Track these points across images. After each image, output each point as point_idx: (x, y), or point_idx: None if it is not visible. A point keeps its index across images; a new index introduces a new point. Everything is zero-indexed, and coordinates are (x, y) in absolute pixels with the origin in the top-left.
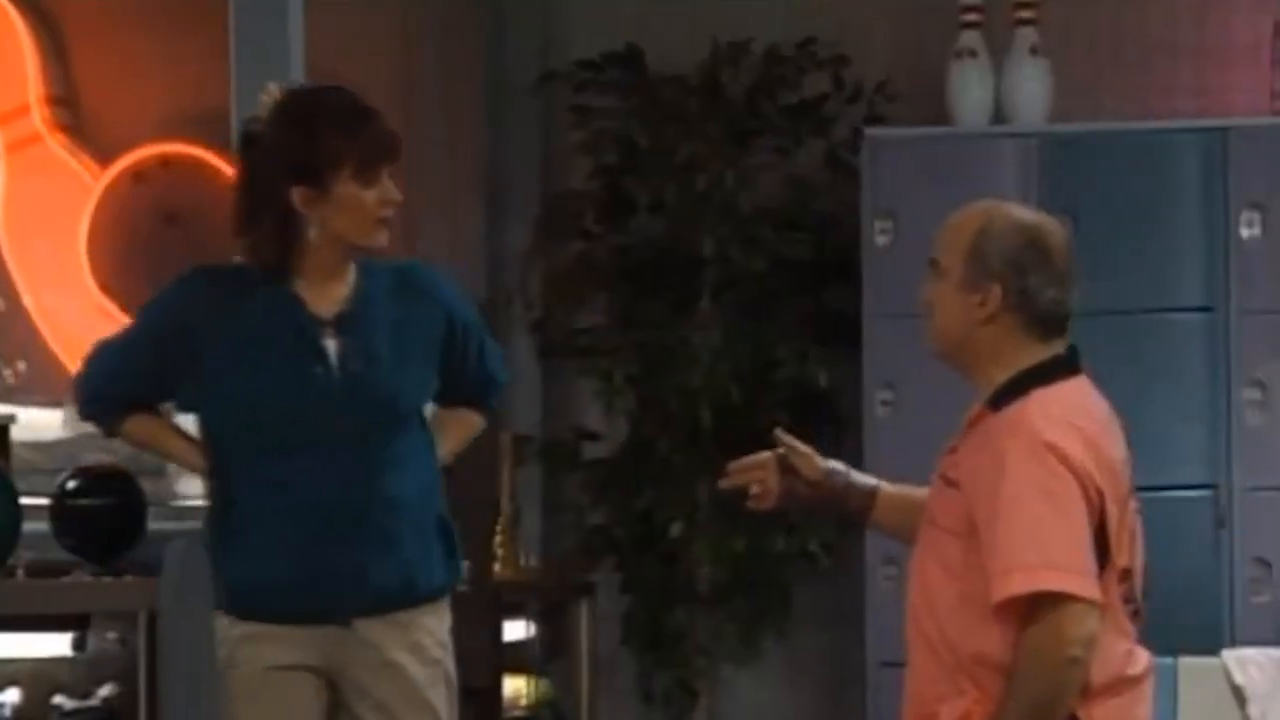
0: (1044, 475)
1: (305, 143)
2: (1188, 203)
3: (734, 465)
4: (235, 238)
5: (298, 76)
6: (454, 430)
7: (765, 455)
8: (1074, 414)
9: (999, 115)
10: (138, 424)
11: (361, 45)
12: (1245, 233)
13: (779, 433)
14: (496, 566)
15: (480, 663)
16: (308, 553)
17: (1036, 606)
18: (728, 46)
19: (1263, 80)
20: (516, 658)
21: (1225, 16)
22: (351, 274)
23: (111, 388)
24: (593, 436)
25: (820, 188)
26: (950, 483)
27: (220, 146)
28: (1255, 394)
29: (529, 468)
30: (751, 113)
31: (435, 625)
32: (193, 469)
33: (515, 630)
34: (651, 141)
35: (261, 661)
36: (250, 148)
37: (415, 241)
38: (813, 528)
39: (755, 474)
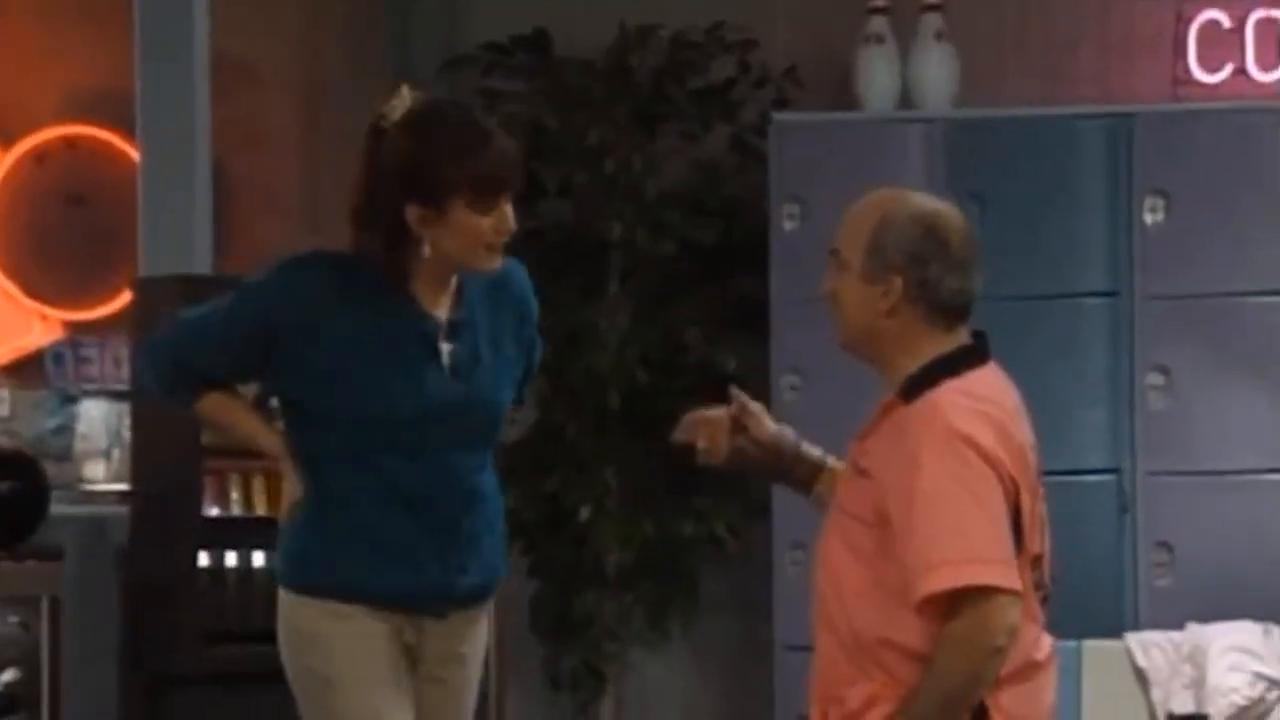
0: (960, 467)
1: (426, 165)
2: (1092, 189)
3: (685, 419)
4: (349, 226)
5: (201, 60)
6: None
7: (718, 411)
8: (985, 404)
9: (905, 100)
10: (216, 402)
11: (266, 28)
12: (1149, 219)
13: (734, 389)
14: None
15: None
16: (410, 553)
17: (960, 598)
18: (635, 31)
19: (1165, 67)
20: None
21: (1129, 4)
22: (455, 284)
23: (201, 362)
24: None
25: (728, 172)
26: (861, 471)
27: (124, 128)
28: (1158, 379)
29: None
30: (659, 97)
31: (487, 621)
32: (268, 451)
33: None
34: (559, 125)
35: (361, 631)
36: (376, 145)
37: (322, 225)
38: (720, 512)
39: (705, 429)
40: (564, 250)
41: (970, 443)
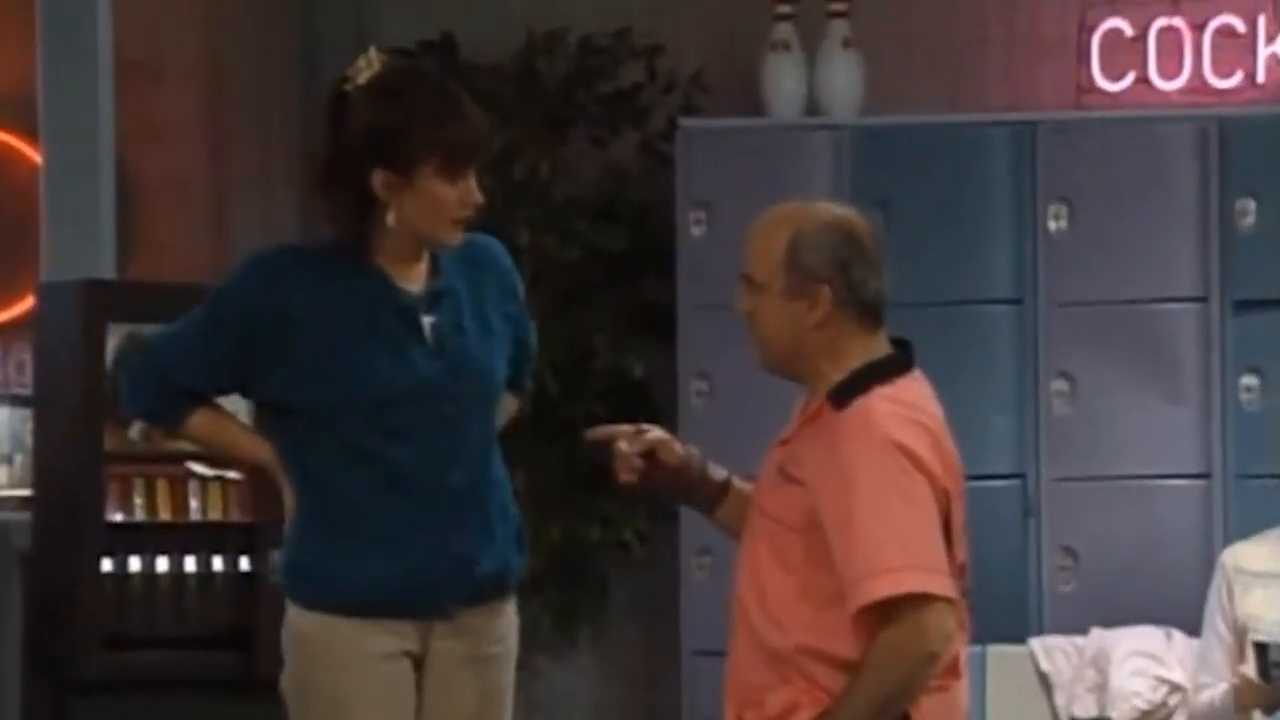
0: (897, 475)
1: (395, 129)
2: (997, 195)
3: (599, 430)
4: (313, 194)
5: (105, 62)
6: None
7: (630, 429)
8: (917, 412)
9: (812, 107)
10: (203, 419)
11: (171, 28)
12: (1053, 225)
13: (639, 430)
14: None
15: None
16: (414, 544)
17: (897, 606)
18: (543, 36)
19: (1069, 74)
20: None
21: (1033, 10)
22: (426, 258)
23: (185, 380)
24: None
25: (636, 178)
26: (791, 479)
27: (27, 132)
28: (1063, 385)
29: None
30: (567, 102)
31: (514, 616)
32: (262, 464)
33: None
34: None
35: (364, 650)
36: (340, 110)
37: (228, 228)
38: (627, 518)
39: (620, 438)
40: None
41: (906, 451)
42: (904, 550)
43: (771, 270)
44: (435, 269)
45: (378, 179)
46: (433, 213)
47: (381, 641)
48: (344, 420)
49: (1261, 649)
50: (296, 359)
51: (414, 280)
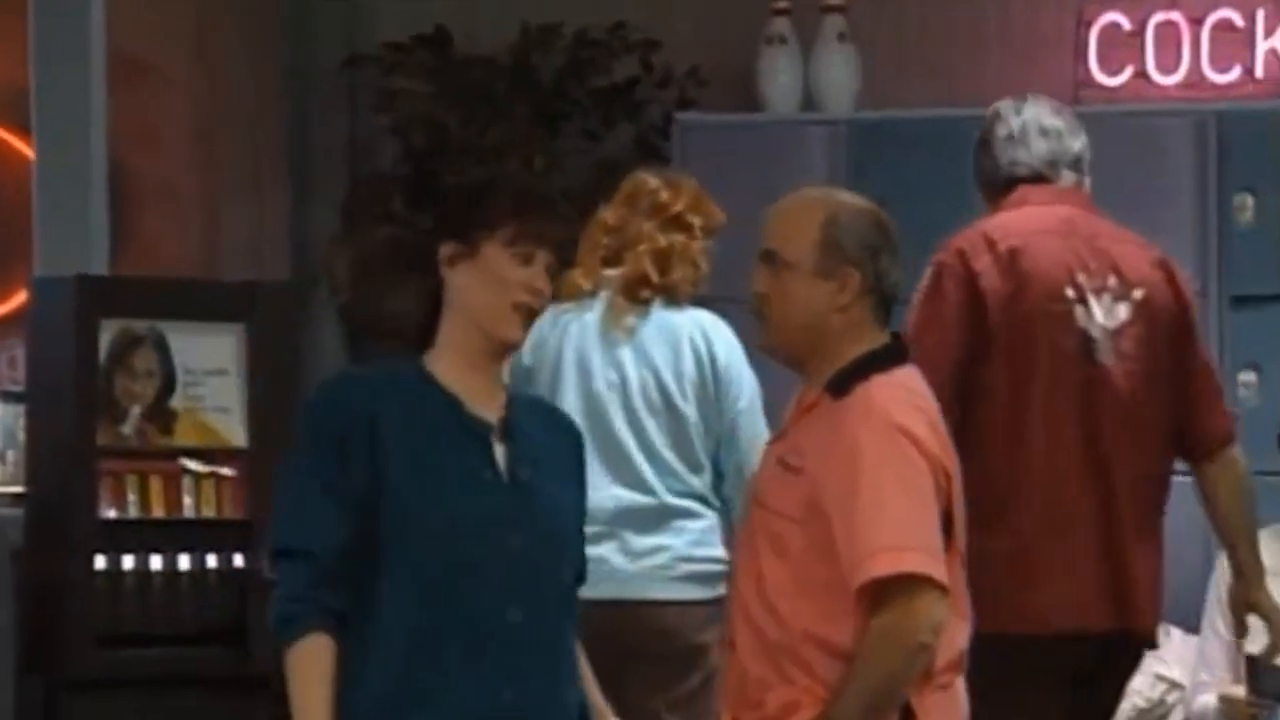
0: (899, 459)
1: (468, 191)
2: None
3: None
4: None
5: (98, 58)
6: None
7: None
8: (918, 398)
9: (808, 102)
10: (319, 649)
11: (163, 25)
12: None
13: None
14: None
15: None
16: (468, 692)
17: (888, 591)
18: (537, 30)
19: (1067, 70)
20: None
21: (1031, 5)
22: (498, 384)
23: (341, 543)
24: None
25: (631, 172)
26: (791, 469)
27: (20, 126)
28: None
29: None
30: (561, 96)
31: None
32: None
33: None
34: (460, 124)
35: None
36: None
37: (219, 225)
38: None
39: None
40: None
41: (909, 435)
42: (903, 531)
43: (803, 248)
44: (509, 402)
45: (444, 252)
46: (495, 294)
47: None
48: (415, 546)
49: (1252, 661)
50: (379, 473)
51: (485, 405)
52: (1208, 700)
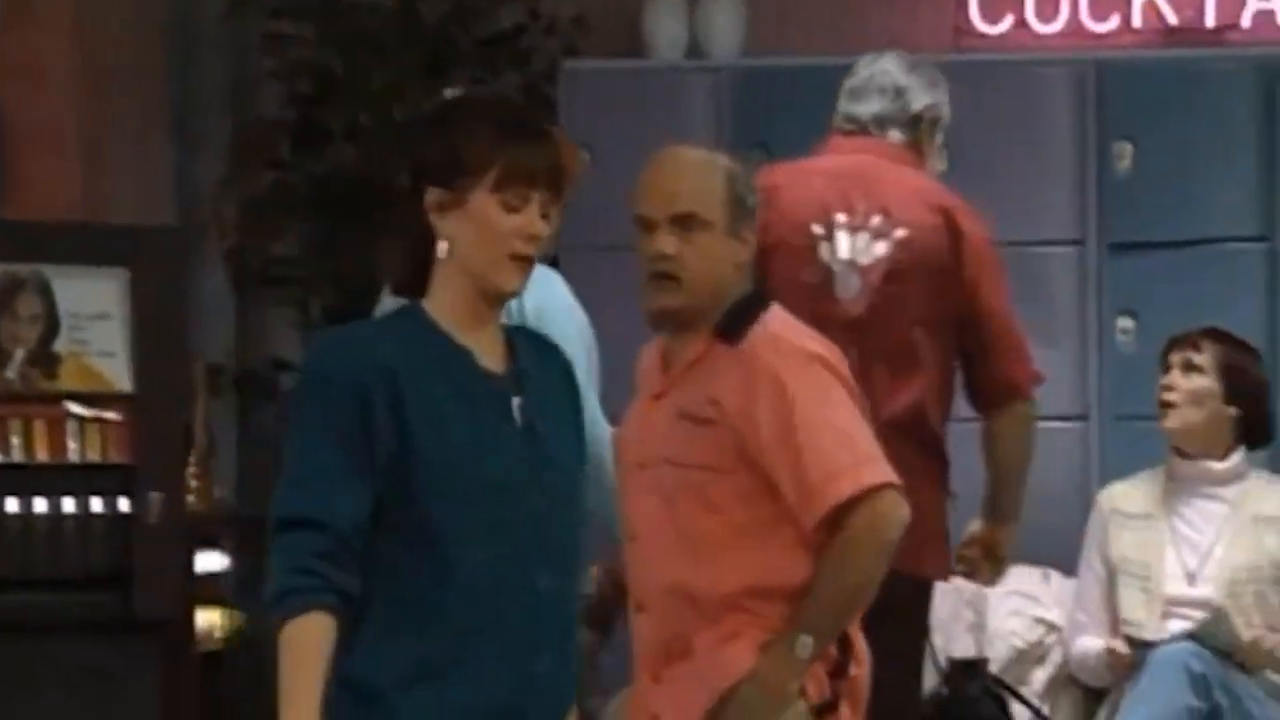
0: (823, 384)
1: (450, 135)
2: None
3: None
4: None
5: None
6: None
7: None
8: (806, 328)
9: (694, 49)
10: (321, 628)
11: None
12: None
13: None
14: (190, 498)
15: (172, 594)
16: (499, 666)
17: (850, 507)
18: None
19: (948, 17)
20: (210, 590)
21: None
22: (499, 330)
23: (356, 516)
24: (288, 367)
25: None
26: (700, 420)
27: None
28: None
29: (224, 399)
30: (448, 43)
31: None
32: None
33: (209, 562)
34: (346, 70)
35: None
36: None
37: (105, 169)
38: None
39: None
40: (351, 196)
41: (821, 361)
42: (851, 449)
43: (716, 207)
44: (512, 349)
45: (430, 199)
46: (487, 244)
47: None
48: (441, 510)
49: (1130, 642)
50: (403, 432)
51: (491, 356)
52: (1087, 643)
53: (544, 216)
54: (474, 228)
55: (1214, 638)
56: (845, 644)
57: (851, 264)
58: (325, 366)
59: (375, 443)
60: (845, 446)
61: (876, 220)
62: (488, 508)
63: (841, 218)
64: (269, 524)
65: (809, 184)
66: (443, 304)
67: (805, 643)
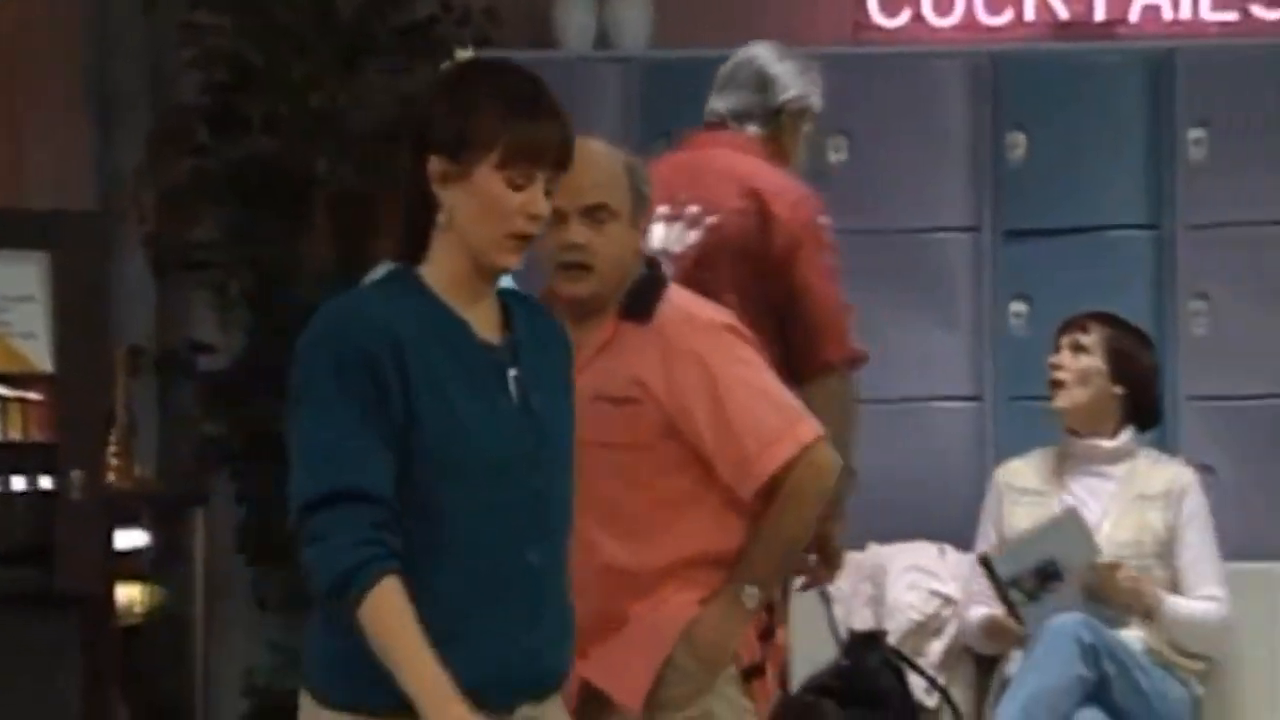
0: (737, 350)
1: (457, 106)
2: None
3: None
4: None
5: None
6: None
7: None
8: (708, 302)
9: (602, 40)
10: (393, 592)
11: None
12: (833, 158)
13: None
14: (110, 476)
15: (91, 570)
16: (492, 636)
17: (791, 465)
18: None
19: (847, 10)
20: (130, 566)
21: None
22: (494, 299)
23: (391, 481)
24: (207, 349)
25: None
26: (621, 400)
27: None
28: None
29: (145, 379)
30: (363, 34)
31: (563, 709)
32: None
33: (129, 539)
34: (264, 60)
35: None
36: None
37: (25, 155)
38: None
39: None
40: (269, 183)
41: (733, 330)
42: (780, 410)
43: (622, 198)
44: (508, 319)
45: (433, 166)
46: (486, 216)
47: None
48: (440, 490)
49: (985, 563)
50: (409, 403)
51: (488, 326)
52: (979, 611)
53: (546, 194)
54: (477, 203)
55: (1066, 541)
56: (770, 608)
57: (664, 253)
58: (333, 337)
59: (390, 412)
60: (773, 409)
61: (693, 209)
62: (487, 489)
63: (662, 209)
64: (291, 501)
65: (656, 177)
66: (440, 272)
67: (751, 594)
